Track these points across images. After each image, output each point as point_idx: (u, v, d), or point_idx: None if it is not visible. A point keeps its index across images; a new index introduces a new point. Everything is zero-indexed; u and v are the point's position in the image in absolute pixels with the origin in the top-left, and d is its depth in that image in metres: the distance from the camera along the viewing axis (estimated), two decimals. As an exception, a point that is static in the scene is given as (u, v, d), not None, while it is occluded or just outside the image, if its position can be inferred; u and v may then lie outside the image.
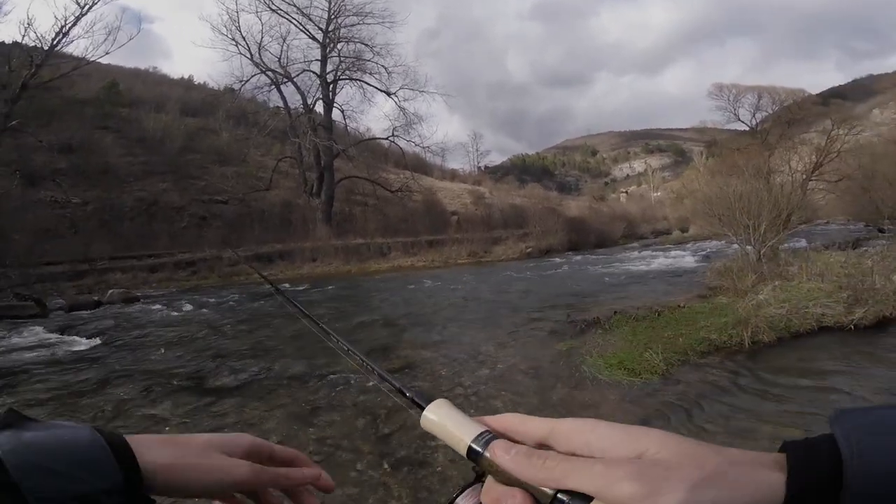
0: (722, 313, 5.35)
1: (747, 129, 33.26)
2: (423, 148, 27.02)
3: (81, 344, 6.54)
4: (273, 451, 0.47)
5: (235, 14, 24.10)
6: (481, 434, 0.33)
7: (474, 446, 0.32)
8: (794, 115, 31.20)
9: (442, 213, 29.88)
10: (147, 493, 0.38)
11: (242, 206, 24.43)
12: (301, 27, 25.03)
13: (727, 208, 8.67)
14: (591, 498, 0.26)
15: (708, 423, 3.12)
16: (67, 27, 16.57)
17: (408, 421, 3.25)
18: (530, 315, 6.95)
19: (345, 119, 26.82)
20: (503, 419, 0.34)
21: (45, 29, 19.03)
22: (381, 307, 9.15)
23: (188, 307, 9.84)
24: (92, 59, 17.94)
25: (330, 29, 25.22)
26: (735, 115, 32.97)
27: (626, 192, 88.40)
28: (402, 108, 25.68)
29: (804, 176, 23.49)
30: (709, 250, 15.66)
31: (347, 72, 26.01)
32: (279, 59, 25.02)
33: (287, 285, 14.00)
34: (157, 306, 10.21)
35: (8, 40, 19.08)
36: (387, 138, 27.04)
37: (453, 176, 46.23)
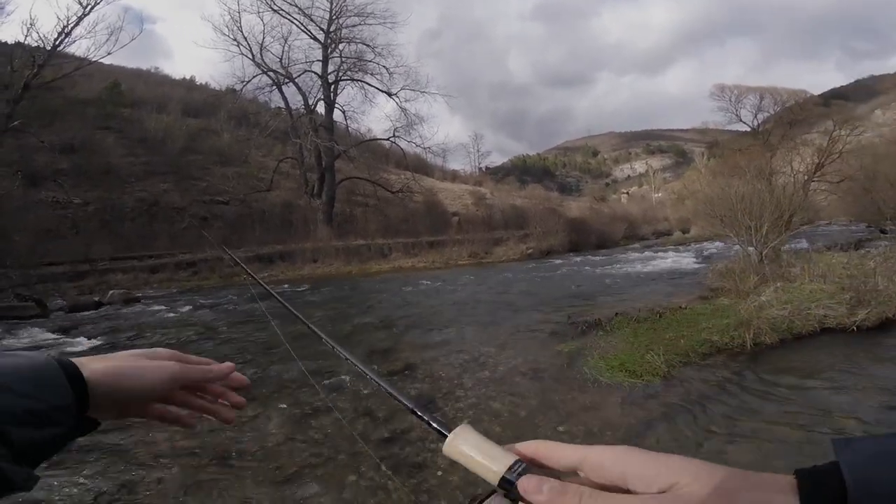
0: (724, 315, 5.33)
1: (749, 129, 33.16)
2: (424, 149, 27.06)
3: (82, 345, 6.54)
4: (189, 359, 0.52)
5: (237, 14, 24.18)
6: (513, 465, 0.32)
7: (508, 478, 0.32)
8: (795, 115, 31.11)
9: (443, 213, 29.87)
10: (94, 416, 0.43)
11: (243, 207, 24.44)
12: (303, 27, 25.08)
13: (729, 209, 8.64)
14: None
15: (710, 426, 3.10)
16: (70, 27, 16.62)
17: (407, 423, 3.24)
18: (531, 316, 6.93)
19: (346, 120, 26.89)
20: (532, 446, 0.34)
21: (47, 29, 19.09)
22: (382, 308, 9.14)
23: (188, 308, 9.84)
24: (94, 60, 17.99)
25: (331, 29, 25.25)
26: (737, 115, 32.88)
27: (627, 193, 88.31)
28: (403, 109, 25.72)
29: (806, 177, 23.43)
30: (710, 251, 15.63)
31: (349, 72, 26.05)
32: (281, 59, 25.08)
33: (286, 286, 14.00)
34: (158, 307, 10.21)
35: (10, 40, 19.15)
36: (388, 139, 27.09)
37: (454, 177, 46.25)
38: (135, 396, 0.46)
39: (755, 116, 32.85)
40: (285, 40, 25.00)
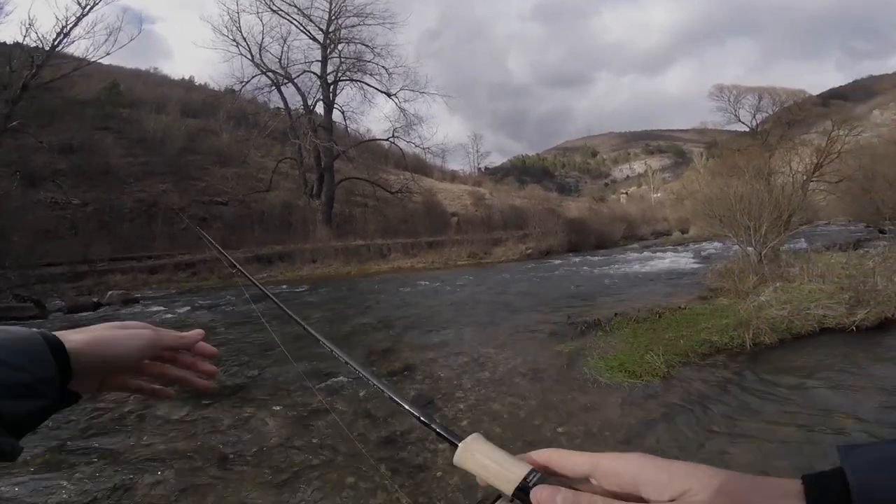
0: (723, 315, 5.33)
1: (748, 130, 33.23)
2: (424, 149, 27.08)
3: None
4: (160, 329, 0.54)
5: (236, 15, 24.18)
6: (528, 476, 0.32)
7: (523, 488, 0.32)
8: (794, 115, 31.16)
9: (442, 214, 29.87)
10: (75, 388, 0.45)
11: (242, 208, 24.42)
12: (302, 28, 25.08)
13: (728, 209, 8.65)
14: None
15: (710, 426, 3.09)
16: (68, 28, 16.60)
17: (406, 425, 3.23)
18: (530, 317, 6.93)
19: (345, 120, 26.89)
20: (544, 454, 0.35)
21: (46, 29, 19.03)
22: (381, 309, 9.13)
23: (187, 309, 9.83)
24: (93, 60, 17.97)
25: (330, 30, 25.25)
26: (735, 115, 32.95)
27: (626, 194, 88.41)
28: (402, 109, 25.74)
29: (804, 177, 23.46)
30: (709, 251, 15.64)
31: (348, 73, 26.05)
32: (280, 59, 25.08)
33: (284, 286, 13.99)
34: (157, 308, 10.19)
35: (9, 41, 19.12)
36: (387, 139, 27.09)
37: (453, 177, 46.26)
38: (115, 364, 0.48)
39: (754, 116, 32.94)
40: (284, 41, 25.04)
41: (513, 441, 3.10)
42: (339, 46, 25.61)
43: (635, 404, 3.52)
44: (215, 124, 27.81)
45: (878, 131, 34.78)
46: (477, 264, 19.98)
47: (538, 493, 0.31)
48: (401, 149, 27.39)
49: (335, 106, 26.17)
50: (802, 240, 11.06)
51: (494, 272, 15.47)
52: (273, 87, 25.29)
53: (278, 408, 3.75)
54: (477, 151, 71.85)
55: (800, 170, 24.03)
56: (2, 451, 0.35)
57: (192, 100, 33.57)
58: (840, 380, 3.67)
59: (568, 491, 0.31)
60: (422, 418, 0.41)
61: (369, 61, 25.61)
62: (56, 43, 16.57)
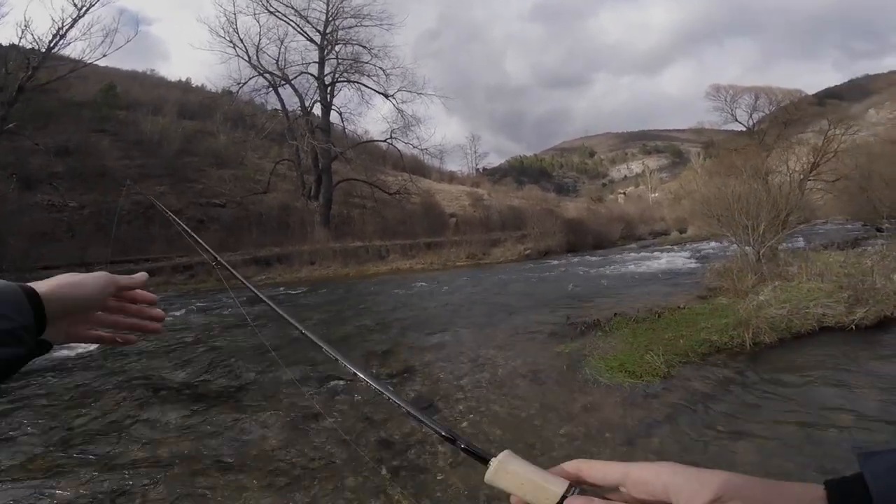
0: (722, 314, 5.33)
1: (744, 129, 33.37)
2: (422, 150, 27.01)
3: (80, 348, 6.48)
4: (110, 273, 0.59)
5: (233, 16, 24.13)
6: (567, 491, 0.33)
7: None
8: (790, 115, 31.31)
9: (440, 215, 29.85)
10: (46, 337, 0.49)
11: (240, 210, 24.35)
12: (299, 29, 25.03)
13: (726, 209, 8.67)
14: None
15: (712, 426, 3.09)
16: (64, 29, 16.57)
17: (407, 427, 3.22)
18: (529, 317, 6.92)
19: (343, 121, 26.80)
20: (574, 465, 0.36)
21: (42, 31, 19.00)
22: (380, 310, 9.11)
23: (185, 311, 9.78)
24: (89, 62, 17.96)
25: (328, 31, 25.21)
26: (732, 115, 33.10)
27: (624, 194, 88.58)
28: (400, 111, 25.69)
29: (801, 176, 23.55)
30: (707, 251, 15.66)
31: (345, 74, 26.00)
32: (277, 61, 25.01)
33: (282, 288, 13.95)
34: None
35: (5, 42, 19.02)
36: (385, 140, 27.01)
37: (451, 178, 46.25)
38: (82, 304, 0.53)
39: (750, 116, 33.09)
40: (281, 42, 24.97)
41: (513, 443, 3.09)
42: (337, 48, 25.59)
43: (636, 405, 3.51)
44: (212, 126, 27.73)
45: (874, 130, 34.94)
46: (475, 265, 19.97)
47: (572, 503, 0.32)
48: (399, 150, 27.36)
49: (333, 107, 26.13)
50: (800, 239, 11.09)
51: (493, 273, 15.46)
52: (270, 89, 25.25)
53: (277, 412, 3.73)
54: (475, 152, 71.96)
55: (797, 169, 24.12)
56: None
57: (189, 101, 33.47)
58: (841, 378, 3.67)
59: (601, 501, 0.32)
60: (447, 434, 0.40)
61: (367, 62, 25.59)
62: (52, 44, 16.54)
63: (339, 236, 22.96)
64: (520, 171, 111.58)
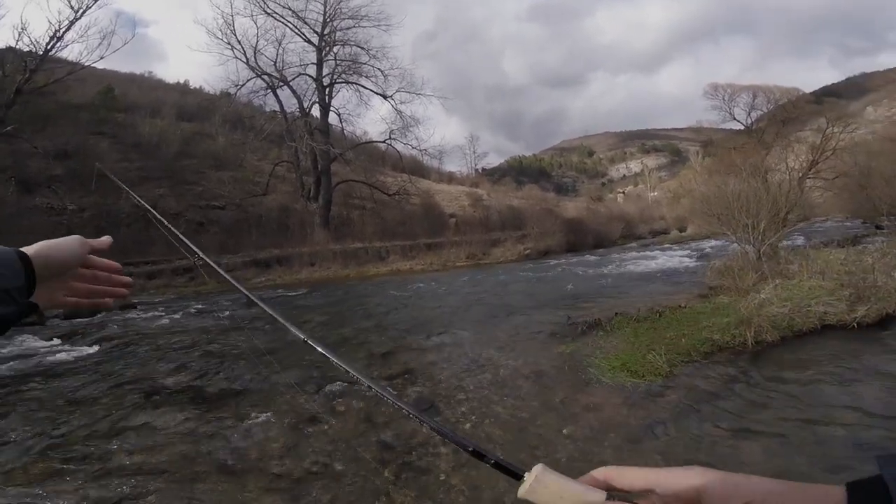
0: (724, 313, 5.32)
1: (743, 128, 33.38)
2: (421, 151, 26.97)
3: (78, 352, 6.46)
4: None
5: (230, 18, 24.07)
6: (606, 500, 0.34)
7: None
8: (788, 113, 31.33)
9: (440, 215, 29.83)
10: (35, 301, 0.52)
11: (240, 212, 24.32)
12: (296, 31, 25.01)
13: (726, 207, 8.66)
14: None
15: (716, 424, 3.07)
16: (61, 31, 16.55)
17: (409, 428, 3.20)
18: (530, 317, 6.90)
19: (341, 122, 26.78)
20: (603, 472, 0.36)
21: (39, 33, 18.98)
22: (380, 311, 9.09)
23: (185, 314, 9.77)
24: (87, 64, 17.93)
25: (325, 32, 25.19)
26: (730, 114, 33.09)
27: (624, 193, 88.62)
28: (398, 111, 25.67)
29: (801, 174, 23.55)
30: (707, 249, 15.66)
31: (343, 75, 25.98)
32: (275, 62, 24.98)
33: (280, 290, 13.94)
34: (155, 313, 10.12)
35: (2, 45, 18.98)
36: (384, 141, 26.98)
37: (451, 178, 46.25)
38: (62, 264, 0.57)
39: (748, 115, 33.08)
40: (279, 43, 24.94)
41: (515, 444, 3.07)
42: (335, 49, 25.57)
43: (639, 404, 3.49)
44: (211, 128, 27.68)
45: (873, 128, 35.01)
46: (475, 265, 19.96)
47: None
48: (398, 151, 27.35)
49: (331, 108, 26.11)
50: (800, 237, 11.09)
51: (493, 273, 15.45)
52: (268, 90, 25.22)
53: (276, 415, 3.71)
54: (474, 152, 71.82)
55: (796, 167, 24.12)
56: None
57: (188, 103, 33.45)
58: (844, 376, 3.66)
59: None
60: (474, 450, 0.39)
61: (365, 63, 25.57)
62: (49, 47, 16.52)
63: (338, 238, 22.94)
64: (519, 171, 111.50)
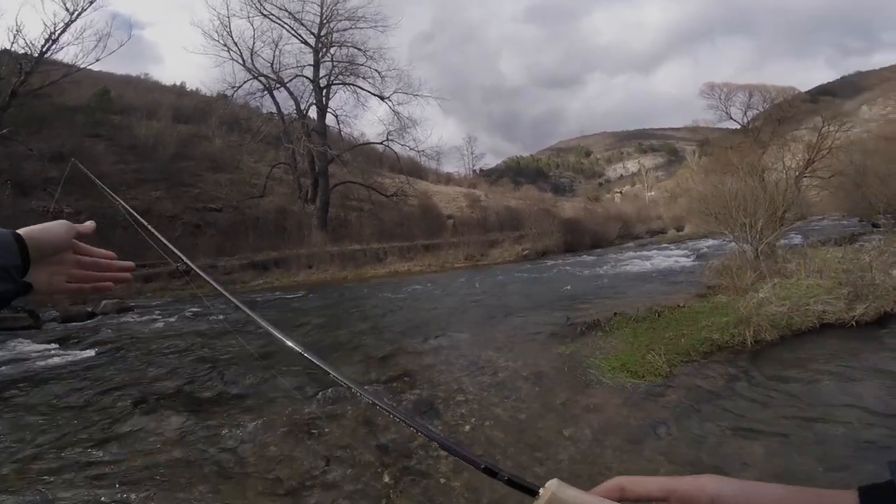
0: (723, 312, 5.31)
1: (739, 127, 33.51)
2: (418, 152, 26.92)
3: (73, 356, 6.41)
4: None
5: (227, 19, 24.03)
6: None
7: None
8: (784, 112, 31.48)
9: (438, 216, 29.82)
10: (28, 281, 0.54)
11: (237, 214, 24.25)
12: (293, 32, 24.97)
13: (723, 206, 8.67)
14: None
15: (717, 424, 3.06)
16: (57, 34, 16.50)
17: (407, 431, 3.17)
18: (529, 318, 6.89)
19: (339, 124, 26.74)
20: (616, 483, 0.36)
21: (34, 36, 18.90)
22: (378, 313, 9.06)
23: (181, 317, 9.72)
24: (82, 66, 17.87)
25: (322, 33, 25.16)
26: (727, 113, 33.25)
27: (621, 193, 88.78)
28: (396, 113, 25.65)
29: (797, 173, 23.63)
30: (705, 249, 15.69)
31: (340, 76, 25.95)
32: (272, 64, 24.94)
33: (278, 293, 13.89)
34: (151, 316, 10.07)
35: (-3, 48, 18.91)
36: (381, 143, 26.96)
37: (448, 179, 46.28)
38: (52, 245, 0.58)
39: (745, 114, 33.25)
40: (276, 45, 24.90)
41: (515, 446, 3.05)
42: (332, 50, 25.55)
43: (640, 405, 3.48)
44: (207, 130, 27.63)
45: (868, 127, 35.23)
46: (474, 266, 19.94)
47: None
48: (395, 152, 27.31)
49: (328, 110, 26.07)
50: (798, 235, 11.12)
51: (491, 274, 15.43)
52: (265, 92, 25.16)
53: (274, 419, 3.68)
54: (471, 153, 72.05)
55: (792, 166, 24.20)
56: None
57: (184, 105, 33.38)
58: (844, 375, 3.65)
59: None
60: (486, 467, 0.38)
61: (362, 65, 25.54)
62: (44, 49, 16.46)
63: (336, 239, 22.89)
64: (516, 172, 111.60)
